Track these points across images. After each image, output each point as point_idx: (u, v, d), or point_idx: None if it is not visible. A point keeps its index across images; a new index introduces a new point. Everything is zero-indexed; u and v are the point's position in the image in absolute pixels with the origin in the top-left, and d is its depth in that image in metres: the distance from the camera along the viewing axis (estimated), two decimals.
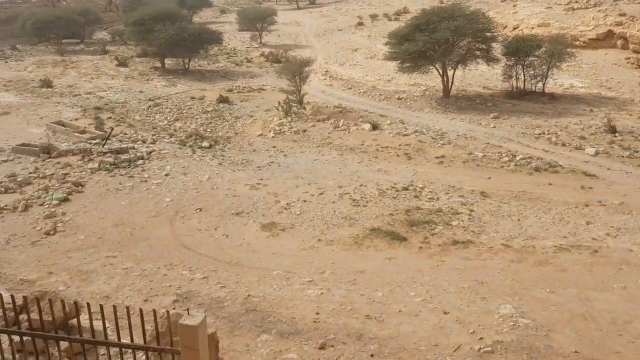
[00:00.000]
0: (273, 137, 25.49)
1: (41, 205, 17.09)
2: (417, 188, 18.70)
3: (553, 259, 13.73)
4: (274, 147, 24.13)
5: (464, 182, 19.39)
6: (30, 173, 19.55)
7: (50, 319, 5.60)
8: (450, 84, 30.73)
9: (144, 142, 23.70)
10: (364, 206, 17.03)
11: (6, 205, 16.91)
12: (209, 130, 26.55)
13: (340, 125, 26.23)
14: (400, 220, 15.98)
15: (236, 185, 18.84)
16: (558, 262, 13.53)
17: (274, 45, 49.72)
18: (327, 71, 38.81)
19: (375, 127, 25.90)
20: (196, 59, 41.40)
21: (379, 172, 20.61)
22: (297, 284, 12.47)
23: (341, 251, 14.28)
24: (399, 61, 31.07)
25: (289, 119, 27.07)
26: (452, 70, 30.65)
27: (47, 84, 34.00)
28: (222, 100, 30.88)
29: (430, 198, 17.80)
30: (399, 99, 31.12)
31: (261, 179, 19.53)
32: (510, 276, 12.79)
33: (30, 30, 50.21)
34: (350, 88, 34.22)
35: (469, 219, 16.15)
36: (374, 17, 60.87)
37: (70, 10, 54.04)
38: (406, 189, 18.58)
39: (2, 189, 18.13)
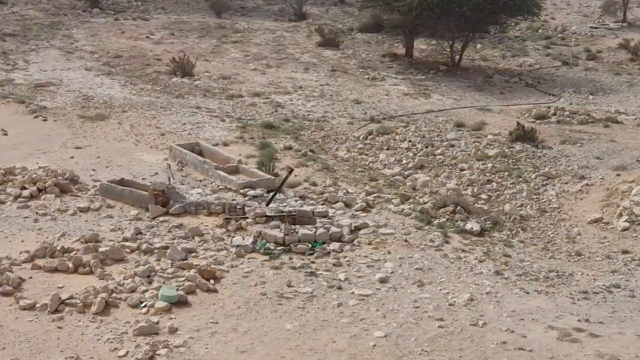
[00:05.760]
0: (625, 229, 14.03)
1: (134, 307, 9.60)
2: None
3: None
4: (625, 252, 12.93)
5: None
6: (123, 241, 10.80)
7: None
8: None
9: (347, 205, 13.46)
10: None
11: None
12: (482, 196, 15.74)
13: None
14: None
15: (529, 326, 9.38)
16: None
17: None
18: None
19: None
20: (478, 44, 25.74)
21: None
22: None
23: None
24: None
25: None
26: None
27: (183, 69, 23.21)
28: (522, 135, 17.93)
29: None
30: None
31: (587, 321, 9.49)
32: None
33: None
34: None
35: None
36: None
37: None
38: None
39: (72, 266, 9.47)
